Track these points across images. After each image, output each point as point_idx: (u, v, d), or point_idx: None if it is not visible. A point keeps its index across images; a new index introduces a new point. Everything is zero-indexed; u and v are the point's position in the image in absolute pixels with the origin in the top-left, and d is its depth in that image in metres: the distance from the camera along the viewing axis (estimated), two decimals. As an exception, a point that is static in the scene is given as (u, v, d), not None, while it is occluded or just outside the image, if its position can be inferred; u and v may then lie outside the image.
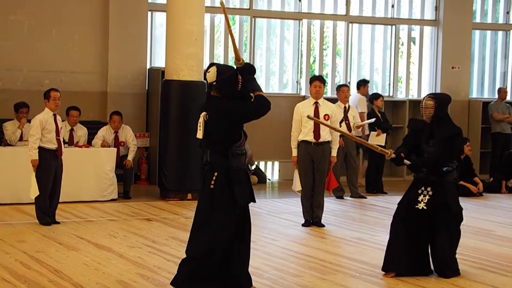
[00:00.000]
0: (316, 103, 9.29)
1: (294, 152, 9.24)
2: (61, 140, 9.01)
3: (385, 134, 12.23)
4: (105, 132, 11.29)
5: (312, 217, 9.29)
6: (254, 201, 6.01)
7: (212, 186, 5.83)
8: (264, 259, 7.35)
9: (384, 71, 15.10)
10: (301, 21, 14.18)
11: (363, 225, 9.49)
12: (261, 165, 13.92)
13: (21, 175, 9.77)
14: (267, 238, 8.42)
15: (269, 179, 13.78)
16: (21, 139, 10.59)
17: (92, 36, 12.68)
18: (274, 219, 9.80)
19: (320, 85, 9.29)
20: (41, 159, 8.76)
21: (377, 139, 11.97)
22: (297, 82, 14.21)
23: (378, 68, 15.14)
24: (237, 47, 6.00)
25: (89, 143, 11.12)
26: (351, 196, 11.80)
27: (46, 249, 7.57)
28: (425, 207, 6.82)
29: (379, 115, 12.41)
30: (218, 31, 13.87)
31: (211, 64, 5.92)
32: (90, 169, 10.65)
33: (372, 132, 12.24)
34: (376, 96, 12.64)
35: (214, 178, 5.84)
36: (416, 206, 6.85)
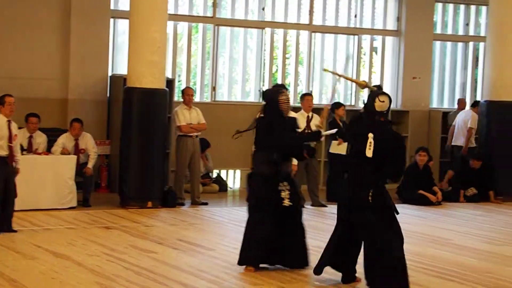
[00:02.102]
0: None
1: None
2: (14, 147, 8.81)
3: (346, 143, 12.26)
4: (65, 139, 11.18)
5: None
6: None
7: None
8: (224, 267, 7.35)
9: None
10: (264, 30, 14.22)
11: (323, 234, 9.44)
12: (223, 174, 13.90)
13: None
14: (227, 246, 8.40)
15: (230, 187, 13.77)
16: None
17: (53, 42, 12.54)
18: (235, 227, 9.76)
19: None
20: (-10, 166, 8.58)
21: (339, 148, 12.01)
22: (259, 90, 14.23)
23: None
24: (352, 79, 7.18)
25: (48, 150, 10.99)
26: (311, 205, 11.83)
27: (3, 258, 7.44)
28: (290, 203, 7.10)
29: (341, 124, 12.47)
30: (181, 40, 13.83)
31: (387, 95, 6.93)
32: (49, 177, 10.52)
33: (333, 142, 12.29)
34: (338, 105, 12.70)
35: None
36: (284, 204, 7.08)
